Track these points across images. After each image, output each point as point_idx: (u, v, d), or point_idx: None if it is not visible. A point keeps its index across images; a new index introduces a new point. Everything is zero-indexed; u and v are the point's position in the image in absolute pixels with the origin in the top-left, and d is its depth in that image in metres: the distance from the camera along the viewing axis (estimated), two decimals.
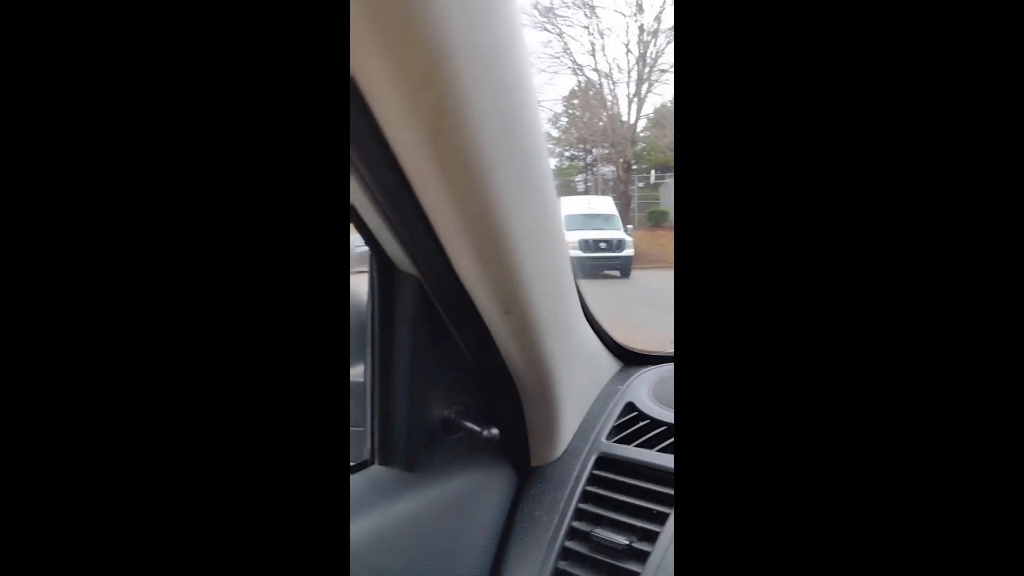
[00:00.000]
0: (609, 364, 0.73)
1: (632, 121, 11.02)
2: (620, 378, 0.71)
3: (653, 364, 0.73)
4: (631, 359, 0.75)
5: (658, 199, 15.62)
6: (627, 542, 0.49)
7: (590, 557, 0.50)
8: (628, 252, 7.91)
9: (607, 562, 0.49)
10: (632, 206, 14.88)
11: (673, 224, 13.98)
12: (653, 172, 17.10)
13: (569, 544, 0.52)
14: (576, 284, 0.59)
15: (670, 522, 0.49)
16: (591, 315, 0.67)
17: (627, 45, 10.90)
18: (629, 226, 10.21)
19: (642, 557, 0.48)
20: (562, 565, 0.51)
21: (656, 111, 16.69)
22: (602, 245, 7.60)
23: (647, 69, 10.79)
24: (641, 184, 16.50)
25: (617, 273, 7.89)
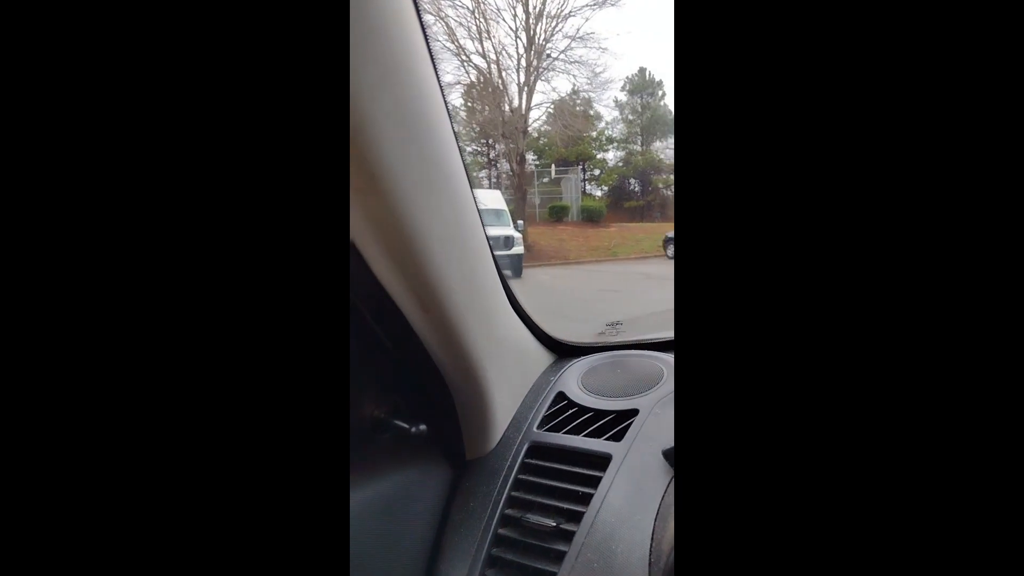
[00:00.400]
0: (542, 356, 0.74)
1: (523, 111, 10.45)
2: (553, 370, 0.72)
3: (585, 355, 0.75)
4: (564, 351, 0.76)
5: (560, 194, 15.43)
6: (555, 524, 0.50)
7: (521, 541, 0.52)
8: (517, 250, 7.35)
9: (537, 544, 0.51)
10: (536, 201, 14.53)
11: (572, 219, 13.93)
12: (553, 167, 16.93)
13: (502, 531, 0.53)
14: (503, 281, 0.62)
15: (594, 502, 0.50)
16: (521, 310, 0.68)
17: (515, 31, 10.29)
18: (520, 222, 9.72)
19: (568, 537, 0.49)
20: (495, 551, 0.52)
21: (555, 104, 16.61)
22: (489, 243, 6.91)
23: (534, 56, 10.28)
24: (545, 180, 16.30)
25: (509, 272, 7.25)
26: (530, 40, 10.22)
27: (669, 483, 0.49)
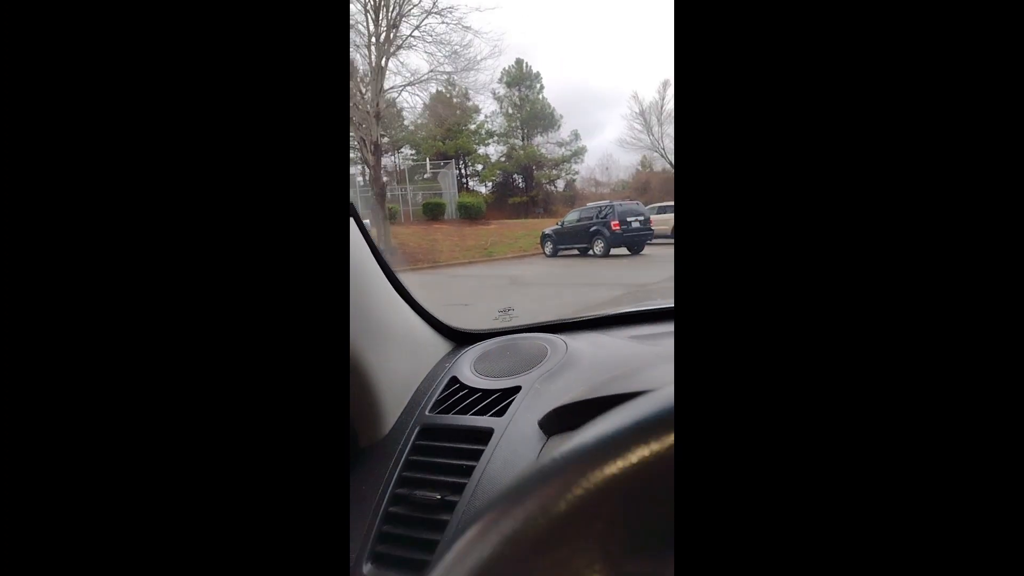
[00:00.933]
0: (439, 345, 0.76)
1: (375, 93, 9.07)
2: (449, 357, 0.74)
3: (482, 340, 0.76)
4: (462, 339, 0.78)
5: (440, 191, 14.30)
6: (440, 497, 0.52)
7: (410, 516, 0.54)
8: None
9: (424, 517, 0.53)
10: (417, 198, 13.24)
11: (450, 216, 12.88)
12: (428, 161, 15.78)
13: (392, 509, 0.55)
14: (392, 277, 0.67)
15: (475, 473, 0.53)
16: (415, 303, 0.71)
17: (364, 4, 8.85)
18: (366, 221, 8.41)
19: (451, 507, 0.51)
20: (385, 528, 0.54)
21: (432, 97, 15.41)
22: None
23: (384, 30, 8.95)
24: (426, 175, 15.14)
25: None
26: (377, 11, 8.84)
27: (542, 448, 0.51)
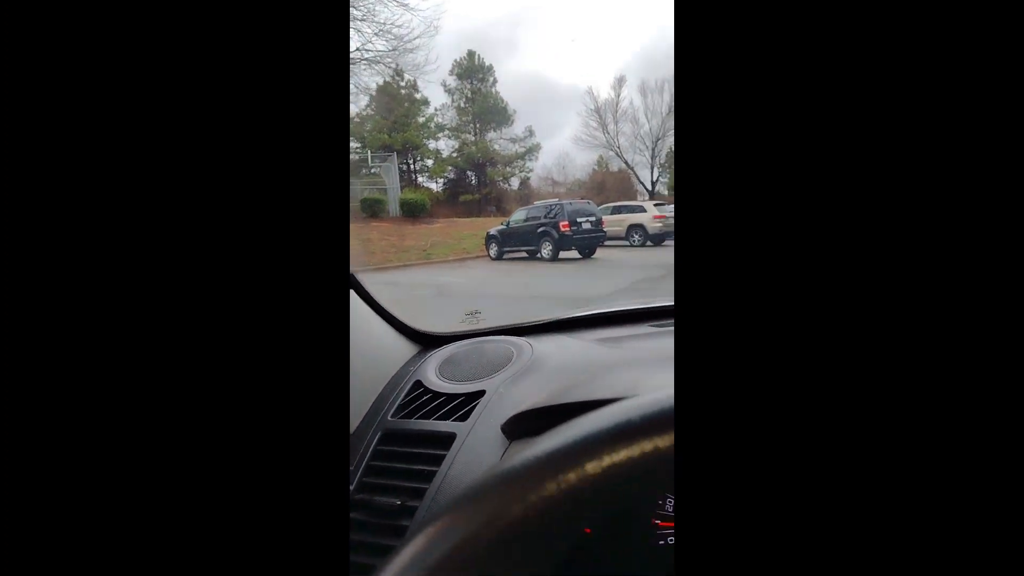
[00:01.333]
0: (403, 349, 0.75)
1: None
2: (415, 360, 0.74)
3: (448, 343, 0.76)
4: (428, 342, 0.77)
5: (385, 186, 13.17)
6: (399, 502, 0.53)
7: (370, 522, 0.54)
8: None
9: (384, 523, 0.53)
10: (364, 194, 12.07)
11: (391, 214, 11.84)
12: (369, 154, 14.63)
13: (353, 515, 0.55)
14: (356, 283, 0.67)
15: (436, 478, 0.53)
16: (378, 305, 0.71)
17: None
18: None
19: (411, 512, 0.52)
20: None
21: (379, 88, 14.27)
22: None
23: None
24: (374, 170, 14.01)
25: None
26: None
27: (503, 452, 0.51)
